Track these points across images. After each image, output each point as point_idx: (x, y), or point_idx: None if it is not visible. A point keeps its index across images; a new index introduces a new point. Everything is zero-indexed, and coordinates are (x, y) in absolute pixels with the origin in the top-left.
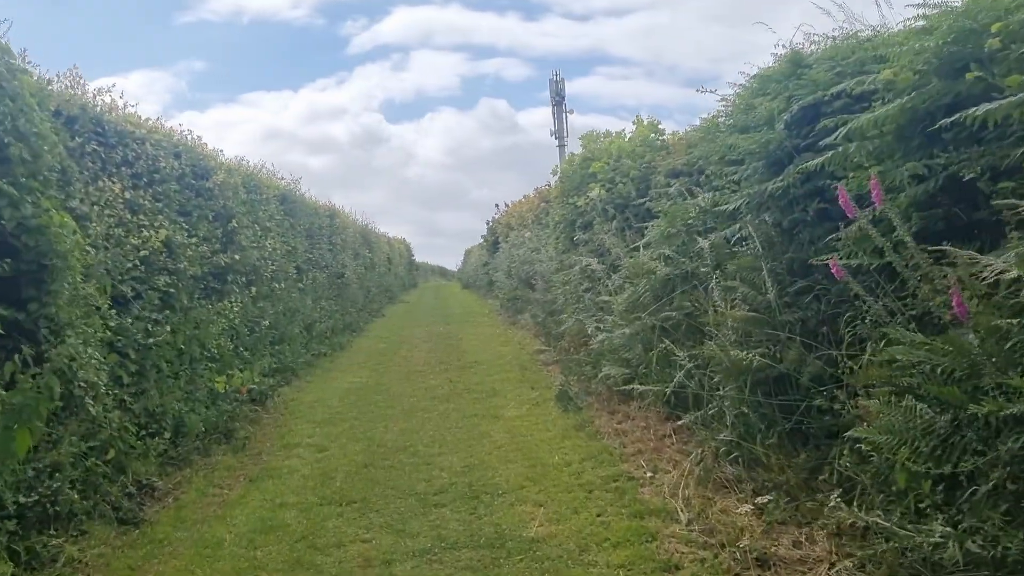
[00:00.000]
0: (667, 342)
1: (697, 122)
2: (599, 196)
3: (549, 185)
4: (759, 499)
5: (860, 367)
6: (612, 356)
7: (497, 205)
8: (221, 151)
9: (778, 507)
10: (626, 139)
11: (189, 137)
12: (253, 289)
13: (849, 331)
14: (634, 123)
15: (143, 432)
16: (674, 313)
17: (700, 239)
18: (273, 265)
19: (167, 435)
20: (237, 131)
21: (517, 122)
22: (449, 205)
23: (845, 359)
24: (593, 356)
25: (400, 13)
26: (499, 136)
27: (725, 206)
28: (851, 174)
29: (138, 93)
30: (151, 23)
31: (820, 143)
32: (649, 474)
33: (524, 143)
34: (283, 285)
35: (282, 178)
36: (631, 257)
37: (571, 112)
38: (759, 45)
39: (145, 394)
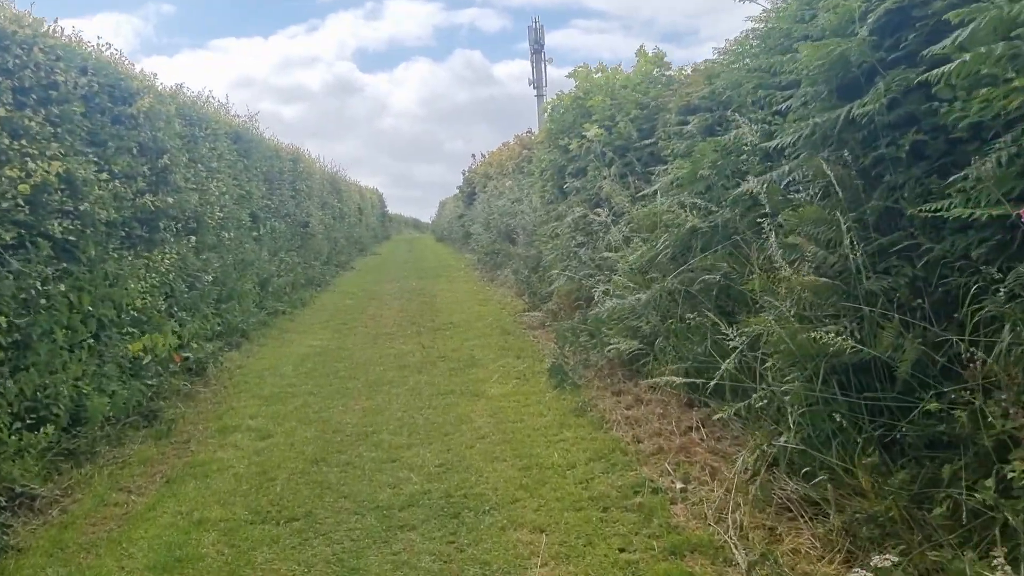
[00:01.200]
0: (695, 313)
1: (711, 56)
2: (597, 137)
3: (531, 132)
4: (878, 559)
5: (997, 358)
6: (617, 325)
7: (473, 155)
8: (155, 75)
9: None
10: (625, 74)
11: (107, 52)
12: (193, 238)
13: (974, 308)
14: (636, 55)
15: (17, 423)
16: (705, 275)
17: (748, 181)
18: (221, 211)
19: (56, 424)
20: (207, 78)
21: (492, 74)
22: (424, 157)
23: (968, 346)
24: (592, 322)
25: None
26: (474, 88)
27: (774, 141)
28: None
29: (104, 36)
30: None
31: (921, 54)
32: (679, 485)
33: (499, 95)
34: (233, 234)
35: (236, 115)
36: (641, 206)
37: (550, 61)
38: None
39: (22, 372)
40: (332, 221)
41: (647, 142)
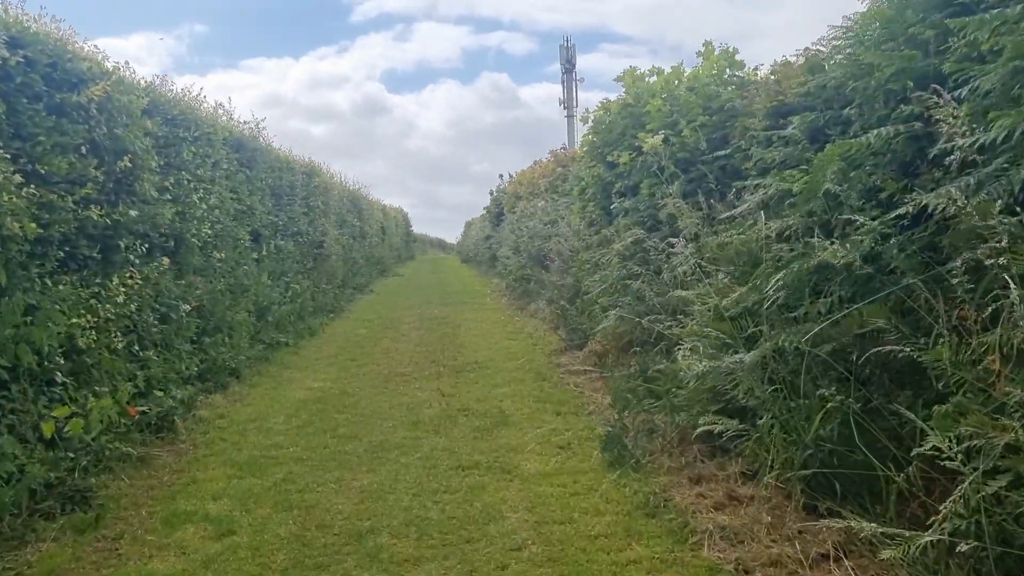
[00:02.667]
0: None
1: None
2: (655, 148)
3: (565, 148)
4: None
5: None
6: (698, 386)
7: (501, 176)
8: (126, 65)
9: None
10: (687, 73)
11: (48, 24)
12: (164, 260)
13: None
14: (700, 54)
15: None
16: (844, 334)
17: (918, 196)
18: (211, 228)
19: None
20: (237, 97)
21: (518, 97)
22: (450, 178)
23: None
24: (662, 382)
25: None
26: (500, 110)
27: (989, 135)
28: None
29: (138, 55)
30: None
31: None
32: None
33: (525, 118)
34: (223, 255)
35: (239, 120)
36: (715, 232)
37: (581, 81)
38: (760, 25)
39: None
40: (351, 241)
41: (720, 153)
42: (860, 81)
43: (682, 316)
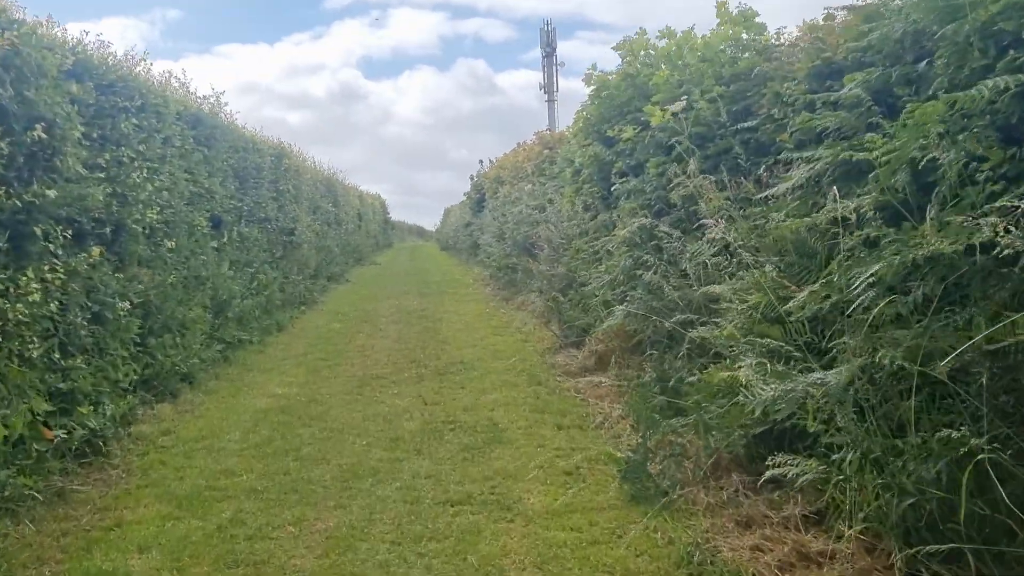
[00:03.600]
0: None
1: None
2: (663, 121)
3: (550, 130)
4: None
5: None
6: (741, 411)
7: (481, 161)
8: (49, 20)
9: None
10: (699, 39)
11: None
12: (95, 250)
13: None
14: (717, 16)
15: None
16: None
17: None
18: (158, 212)
19: None
20: (213, 83)
21: (496, 83)
22: (428, 165)
23: None
24: (694, 395)
25: None
26: (478, 97)
27: None
28: None
29: (111, 40)
30: None
31: None
32: None
33: (503, 105)
34: (175, 244)
35: (196, 93)
36: (773, 215)
37: (562, 65)
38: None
39: None
40: (325, 228)
41: (744, 125)
42: (949, 25)
43: (710, 315)
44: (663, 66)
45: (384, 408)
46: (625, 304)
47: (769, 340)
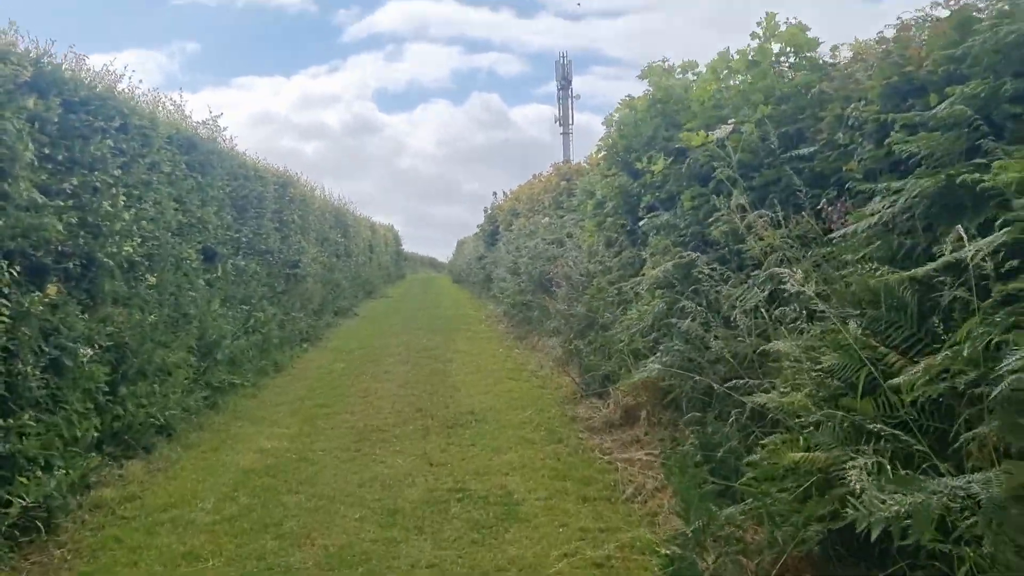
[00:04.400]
0: None
1: None
2: (705, 145)
3: (569, 160)
4: None
5: None
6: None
7: (495, 193)
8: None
9: None
10: (737, 59)
11: None
12: (52, 288)
13: None
14: (760, 32)
15: None
16: None
17: None
18: (137, 244)
19: None
20: (228, 113)
21: (509, 117)
22: (441, 197)
23: None
24: (754, 476)
25: (394, 4)
26: (491, 131)
27: None
28: None
29: (131, 72)
30: (147, 1)
31: None
32: None
33: (516, 139)
34: (157, 279)
35: (190, 116)
36: (829, 259)
37: (577, 98)
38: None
39: None
40: (334, 260)
41: (799, 152)
42: None
43: (763, 374)
44: (700, 87)
45: (383, 470)
46: (658, 355)
47: (858, 417)
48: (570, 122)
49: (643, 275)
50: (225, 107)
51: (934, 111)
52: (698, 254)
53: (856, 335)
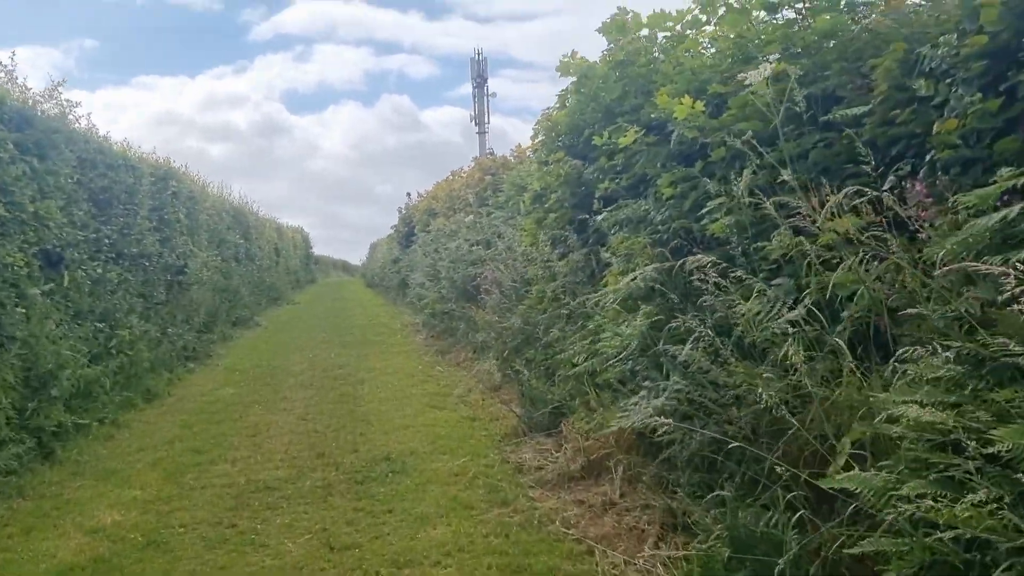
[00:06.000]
0: None
1: None
2: (692, 116)
3: (492, 153)
4: None
5: None
6: None
7: (409, 194)
8: None
9: None
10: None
11: None
12: None
13: None
14: None
15: None
16: None
17: None
18: None
19: None
20: (129, 113)
21: (420, 120)
22: (353, 199)
23: None
24: None
25: (302, 3)
26: (402, 133)
27: None
28: None
29: (22, 68)
30: None
31: None
32: None
33: (428, 142)
34: None
35: (23, 84)
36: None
37: (493, 95)
38: None
39: None
40: (232, 265)
41: (847, 113)
42: None
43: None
44: (690, 36)
45: (265, 561)
46: (644, 393)
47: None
48: (486, 121)
49: (605, 284)
50: (126, 107)
51: None
52: (701, 255)
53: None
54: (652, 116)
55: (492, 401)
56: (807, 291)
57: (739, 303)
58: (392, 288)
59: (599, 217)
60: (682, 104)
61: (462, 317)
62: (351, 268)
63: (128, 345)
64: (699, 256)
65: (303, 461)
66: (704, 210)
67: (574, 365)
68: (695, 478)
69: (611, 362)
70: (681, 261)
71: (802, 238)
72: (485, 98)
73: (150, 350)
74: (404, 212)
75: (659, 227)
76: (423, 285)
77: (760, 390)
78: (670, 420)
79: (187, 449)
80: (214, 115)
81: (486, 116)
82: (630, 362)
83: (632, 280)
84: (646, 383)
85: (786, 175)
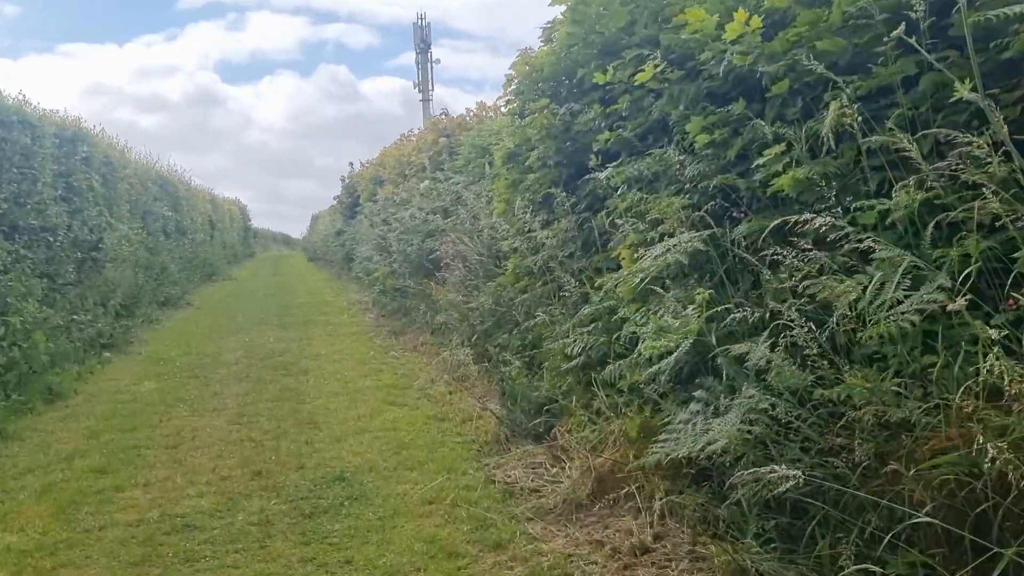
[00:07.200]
0: None
1: None
2: (741, 36)
3: (446, 113)
4: None
5: None
6: None
7: (352, 164)
8: None
9: None
10: None
11: None
12: None
13: None
14: None
15: None
16: None
17: None
18: None
19: None
20: (57, 83)
21: (359, 90)
22: (294, 172)
23: None
24: None
25: None
26: (341, 104)
27: None
28: None
29: None
30: None
31: None
32: None
33: (368, 112)
34: None
35: None
36: None
37: (438, 62)
38: None
39: None
40: (160, 239)
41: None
42: None
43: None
44: None
45: None
46: (698, 408)
47: None
48: (430, 88)
49: (619, 256)
50: (54, 77)
51: None
52: (752, 216)
53: None
54: (672, 47)
55: (461, 395)
56: (938, 267)
57: (837, 285)
58: (336, 262)
59: (603, 174)
60: (732, 20)
61: (419, 295)
62: (292, 242)
63: (23, 336)
64: (805, 215)
65: (235, 484)
66: (760, 161)
67: (569, 357)
68: (770, 521)
69: (658, 366)
70: (737, 229)
71: (938, 188)
72: (429, 64)
73: (52, 340)
74: (347, 181)
75: (687, 185)
76: (371, 259)
77: (889, 409)
78: (793, 472)
79: (88, 469)
80: (146, 85)
81: (430, 83)
82: (686, 366)
83: (664, 254)
84: (697, 392)
85: (964, 91)
